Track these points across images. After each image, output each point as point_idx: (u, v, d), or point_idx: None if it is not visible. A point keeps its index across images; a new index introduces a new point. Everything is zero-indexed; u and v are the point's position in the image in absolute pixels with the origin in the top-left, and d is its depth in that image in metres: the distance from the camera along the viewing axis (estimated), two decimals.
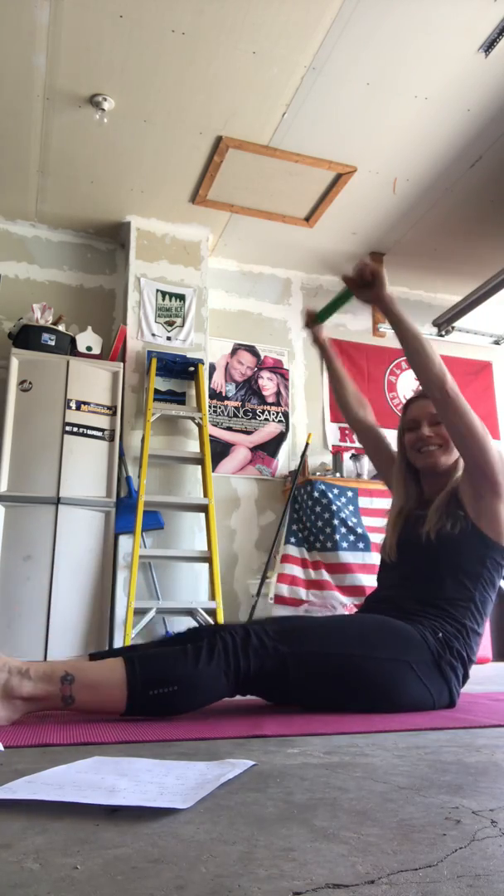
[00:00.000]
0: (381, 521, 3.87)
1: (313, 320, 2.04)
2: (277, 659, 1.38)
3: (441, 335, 4.82)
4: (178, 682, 1.30)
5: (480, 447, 1.59)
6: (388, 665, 1.44)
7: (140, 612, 3.52)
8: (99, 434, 3.78)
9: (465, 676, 1.60)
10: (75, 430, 3.72)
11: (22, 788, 0.73)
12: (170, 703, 1.30)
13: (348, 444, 4.71)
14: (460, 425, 1.60)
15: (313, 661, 1.41)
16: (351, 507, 4.03)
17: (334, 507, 3.93)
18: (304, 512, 4.03)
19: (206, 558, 3.70)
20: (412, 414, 1.83)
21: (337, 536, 3.85)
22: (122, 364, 4.00)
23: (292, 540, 3.97)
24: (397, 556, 1.76)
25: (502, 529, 1.63)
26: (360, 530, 3.94)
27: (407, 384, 5.04)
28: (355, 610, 3.47)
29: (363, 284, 1.70)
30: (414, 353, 1.64)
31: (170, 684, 1.29)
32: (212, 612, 3.58)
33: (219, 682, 1.33)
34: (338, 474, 4.36)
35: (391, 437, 1.99)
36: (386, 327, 4.60)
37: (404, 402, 1.93)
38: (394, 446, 1.96)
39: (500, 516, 1.63)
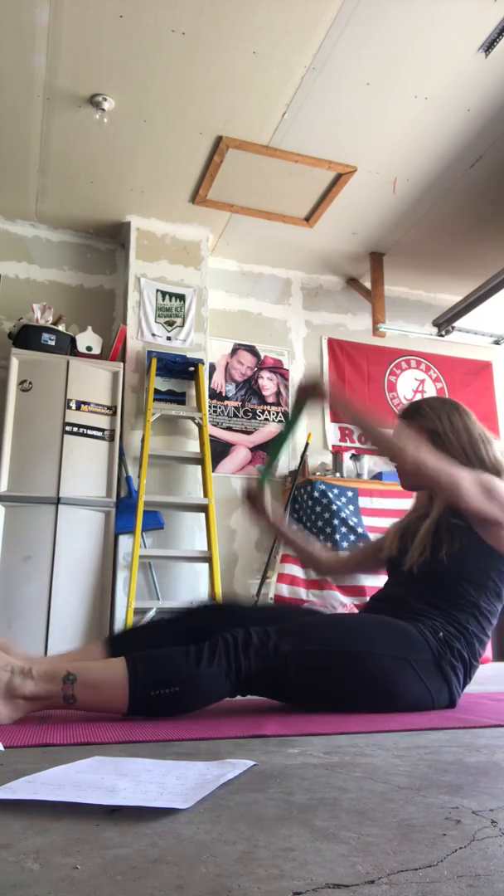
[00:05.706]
0: (382, 521, 3.87)
1: (255, 489, 1.83)
2: (278, 659, 1.38)
3: (441, 335, 4.82)
4: (179, 683, 1.30)
5: (478, 509, 1.54)
6: (388, 662, 1.44)
7: (140, 612, 3.53)
8: (99, 434, 3.78)
9: (467, 678, 1.59)
10: (75, 430, 3.72)
11: (22, 788, 0.73)
12: (171, 704, 1.31)
13: (348, 444, 4.71)
14: (455, 498, 1.55)
15: (314, 660, 1.41)
16: (351, 507, 4.03)
17: (334, 507, 3.93)
18: (305, 512, 4.03)
19: (206, 558, 3.70)
20: None
21: (337, 536, 3.85)
22: (122, 364, 4.00)
23: None
24: (398, 559, 1.75)
25: None
26: (360, 530, 3.93)
27: (407, 384, 5.04)
28: (355, 610, 3.48)
29: (310, 396, 1.71)
30: (381, 448, 1.65)
31: (171, 685, 1.30)
32: None
33: (220, 683, 1.33)
34: (338, 474, 4.36)
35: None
36: (386, 327, 4.60)
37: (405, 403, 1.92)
38: (374, 541, 1.96)
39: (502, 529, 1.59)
